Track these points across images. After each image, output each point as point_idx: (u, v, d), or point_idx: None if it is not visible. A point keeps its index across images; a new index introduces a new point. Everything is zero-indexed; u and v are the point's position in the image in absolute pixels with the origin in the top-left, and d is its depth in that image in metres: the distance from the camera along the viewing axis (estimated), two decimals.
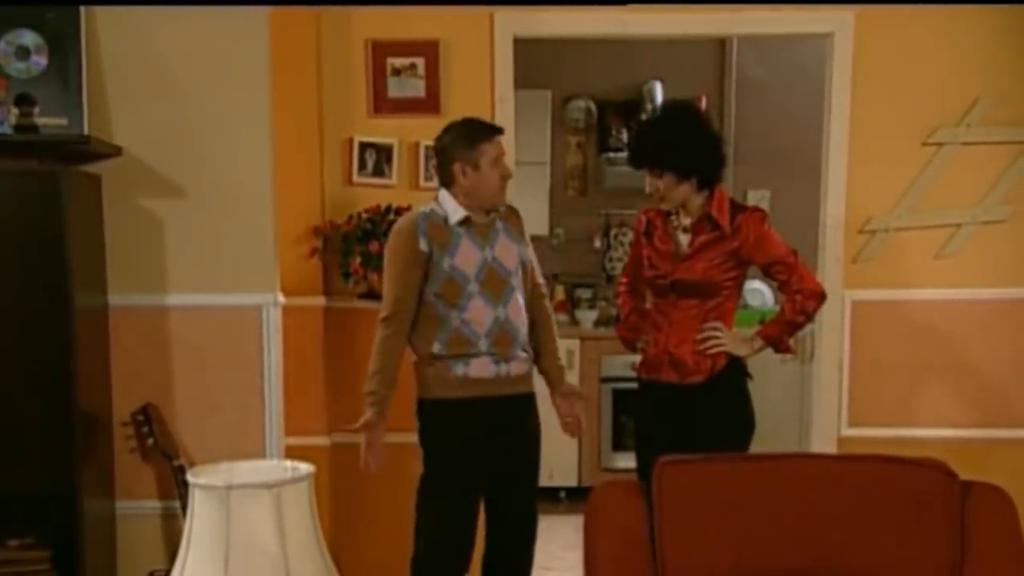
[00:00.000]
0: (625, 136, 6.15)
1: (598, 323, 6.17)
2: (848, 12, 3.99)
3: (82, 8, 3.32)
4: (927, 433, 4.04)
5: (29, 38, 3.29)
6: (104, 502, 3.44)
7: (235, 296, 3.47)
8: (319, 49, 4.05)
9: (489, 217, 3.31)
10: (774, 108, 6.17)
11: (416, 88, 4.06)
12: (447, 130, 3.31)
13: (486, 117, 3.75)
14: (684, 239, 3.31)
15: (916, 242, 4.06)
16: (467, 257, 3.23)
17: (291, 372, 3.63)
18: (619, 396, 5.80)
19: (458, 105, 3.98)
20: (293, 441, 3.64)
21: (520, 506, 3.42)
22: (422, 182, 4.06)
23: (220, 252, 3.45)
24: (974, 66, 3.99)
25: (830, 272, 4.06)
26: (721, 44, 6.34)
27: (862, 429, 4.10)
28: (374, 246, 3.93)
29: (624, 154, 3.61)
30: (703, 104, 6.09)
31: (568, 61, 6.18)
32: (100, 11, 3.36)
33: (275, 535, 2.11)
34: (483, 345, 3.23)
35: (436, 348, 3.23)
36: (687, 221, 3.31)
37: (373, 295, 3.99)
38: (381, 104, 4.08)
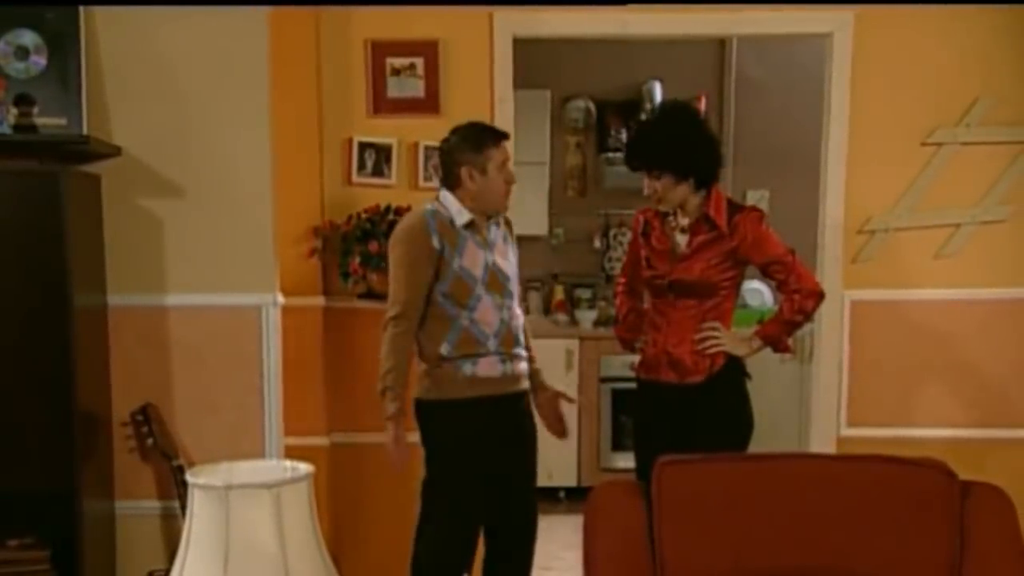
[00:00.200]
0: (624, 136, 6.14)
1: (597, 323, 6.17)
2: (848, 12, 3.99)
3: (81, 8, 3.31)
4: (926, 433, 4.04)
5: (28, 38, 3.29)
6: (103, 502, 3.44)
7: (234, 296, 3.47)
8: (319, 49, 4.05)
9: (488, 222, 3.33)
10: (773, 108, 6.17)
11: (415, 88, 4.06)
12: (454, 132, 3.32)
13: (486, 117, 3.77)
14: (682, 239, 3.31)
15: (915, 242, 4.06)
16: (473, 259, 3.25)
17: (290, 372, 3.63)
18: (618, 396, 5.79)
19: (457, 105, 3.99)
20: (292, 441, 3.64)
21: (521, 504, 3.43)
22: (421, 182, 4.06)
23: (219, 252, 3.45)
24: (973, 66, 3.99)
25: (829, 272, 4.06)
26: (721, 44, 6.34)
27: (861, 429, 4.10)
28: (373, 246, 3.93)
29: (623, 154, 3.61)
30: (703, 104, 6.10)
31: (567, 61, 6.19)
32: (99, 11, 3.35)
33: (274, 535, 2.11)
34: (492, 345, 3.25)
35: (444, 349, 3.23)
36: (685, 221, 3.31)
37: (372, 295, 3.99)
38: (380, 104, 4.08)
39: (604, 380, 5.87)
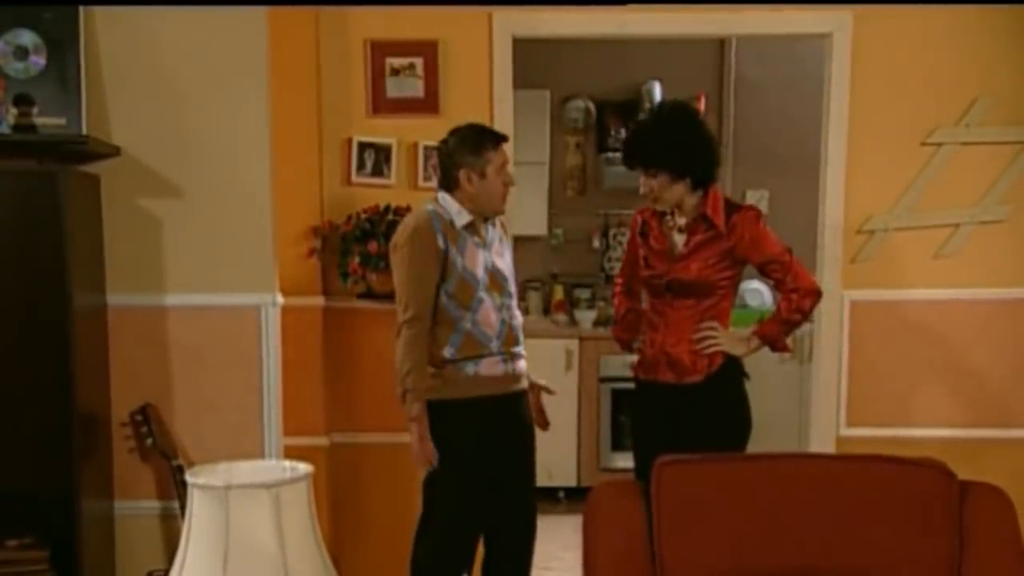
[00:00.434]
0: (624, 136, 6.14)
1: (597, 323, 6.16)
2: (847, 12, 3.99)
3: (81, 8, 3.31)
4: (926, 433, 4.04)
5: (28, 38, 3.29)
6: (103, 502, 3.44)
7: (234, 296, 3.47)
8: (318, 49, 4.05)
9: (485, 224, 3.33)
10: (773, 108, 6.17)
11: (415, 88, 4.06)
12: (452, 134, 3.31)
13: (485, 117, 3.77)
14: (679, 239, 3.31)
15: (915, 242, 4.06)
16: (474, 260, 3.25)
17: (290, 372, 3.63)
18: (618, 396, 5.79)
19: (457, 105, 3.99)
20: (292, 441, 3.63)
21: (521, 504, 3.43)
22: (421, 182, 4.05)
23: (219, 252, 3.45)
24: (973, 66, 3.99)
25: (829, 272, 4.07)
26: (720, 44, 6.34)
27: (861, 429, 4.10)
28: (373, 246, 3.93)
29: (621, 153, 3.61)
30: (702, 104, 6.09)
31: (567, 61, 6.19)
32: (99, 11, 3.35)
33: (274, 535, 2.11)
34: (495, 346, 3.26)
35: (448, 352, 3.24)
36: (682, 221, 3.31)
37: (372, 295, 4.00)
38: (380, 104, 4.08)
39: (604, 380, 5.86)
